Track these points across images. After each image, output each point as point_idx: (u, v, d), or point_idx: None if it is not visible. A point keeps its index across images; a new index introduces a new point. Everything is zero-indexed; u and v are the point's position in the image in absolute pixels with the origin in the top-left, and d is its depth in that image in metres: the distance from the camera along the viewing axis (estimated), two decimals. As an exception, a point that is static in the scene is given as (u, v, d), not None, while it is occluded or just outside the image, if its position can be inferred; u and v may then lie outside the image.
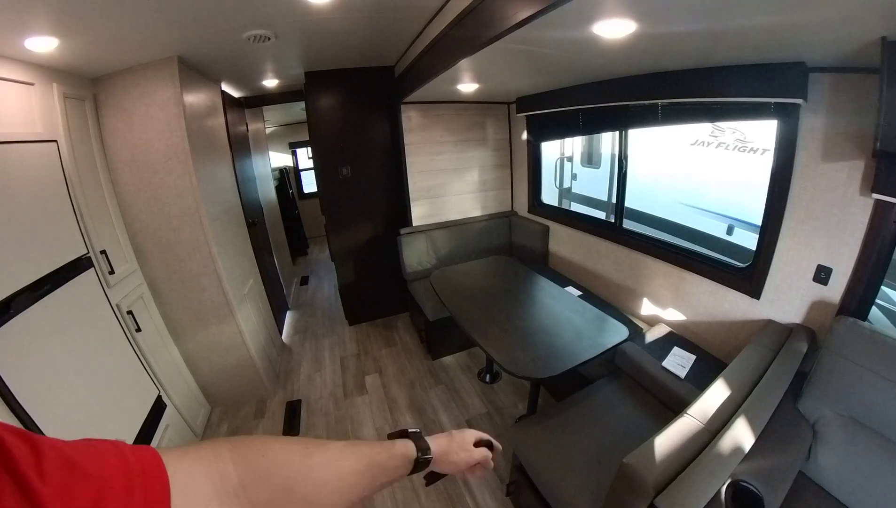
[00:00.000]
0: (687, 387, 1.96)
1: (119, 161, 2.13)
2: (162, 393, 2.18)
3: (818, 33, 1.25)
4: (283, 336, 3.90)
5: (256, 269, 3.21)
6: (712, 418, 1.39)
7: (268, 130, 5.57)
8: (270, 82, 3.33)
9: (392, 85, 3.37)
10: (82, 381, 1.61)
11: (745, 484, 1.38)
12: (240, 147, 3.41)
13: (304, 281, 5.42)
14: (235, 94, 3.55)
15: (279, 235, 4.81)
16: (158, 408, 2.11)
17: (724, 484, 1.35)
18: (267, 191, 4.55)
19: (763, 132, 2.96)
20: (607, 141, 4.42)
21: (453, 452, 0.77)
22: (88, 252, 1.84)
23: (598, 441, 1.83)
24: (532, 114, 3.40)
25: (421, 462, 0.71)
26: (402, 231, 3.62)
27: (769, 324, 1.94)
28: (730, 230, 3.54)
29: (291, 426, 2.72)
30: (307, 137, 3.50)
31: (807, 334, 1.78)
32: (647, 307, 2.76)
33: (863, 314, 1.66)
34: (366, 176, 3.60)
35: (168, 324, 2.42)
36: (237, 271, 2.71)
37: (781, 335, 1.82)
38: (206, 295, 2.46)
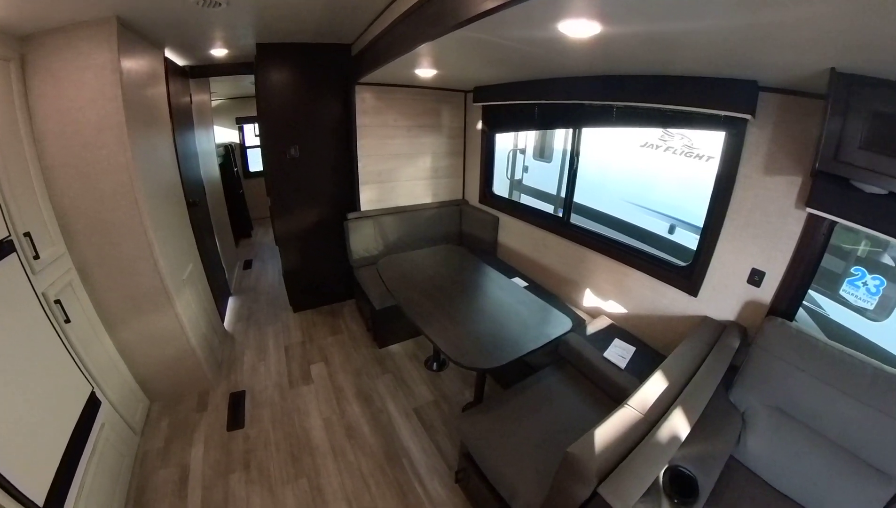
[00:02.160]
0: (627, 377, 2.07)
1: (46, 131, 1.89)
2: (96, 389, 1.99)
3: (773, 56, 1.32)
4: (226, 324, 3.71)
5: (196, 252, 3.01)
6: (651, 408, 1.47)
7: (214, 103, 5.21)
8: (219, 52, 3.10)
9: (348, 64, 3.24)
10: (6, 379, 1.44)
11: (681, 469, 1.48)
12: (182, 120, 3.17)
13: (248, 265, 5.18)
14: (180, 62, 3.28)
15: (222, 215, 4.52)
16: (93, 406, 1.93)
17: (662, 470, 1.45)
18: (210, 168, 4.26)
19: (709, 141, 3.14)
20: (560, 136, 4.53)
21: None
22: (10, 235, 1.62)
23: (543, 429, 1.90)
24: (489, 104, 3.40)
25: None
26: (350, 216, 3.53)
27: (705, 320, 2.09)
28: (671, 229, 3.76)
29: (235, 419, 2.61)
30: (256, 113, 3.31)
31: (739, 330, 1.93)
32: (589, 300, 2.88)
33: (790, 315, 1.82)
34: (315, 157, 3.46)
35: (100, 313, 2.22)
36: (175, 255, 2.53)
37: (716, 330, 1.97)
38: (142, 281, 2.27)
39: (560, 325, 2.22)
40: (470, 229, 3.99)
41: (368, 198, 3.65)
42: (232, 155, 5.93)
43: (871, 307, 2.28)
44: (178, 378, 2.67)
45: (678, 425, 1.38)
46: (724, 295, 2.04)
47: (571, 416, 1.99)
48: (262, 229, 6.47)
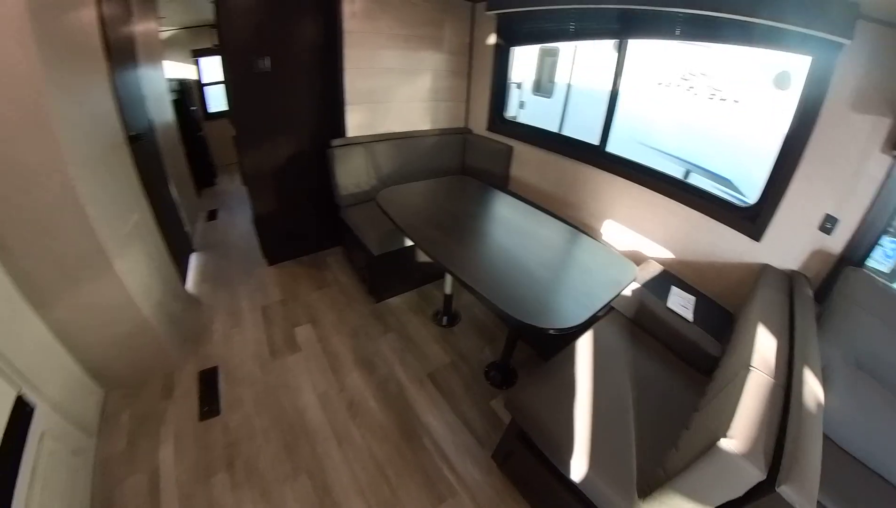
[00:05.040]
0: (697, 331, 1.86)
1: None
2: (25, 390, 1.43)
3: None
4: (189, 285, 3.07)
5: (143, 200, 2.33)
6: (777, 370, 1.25)
7: (164, 34, 4.27)
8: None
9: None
10: None
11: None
12: (122, 56, 2.40)
13: (212, 215, 4.41)
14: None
15: (179, 161, 3.75)
16: (22, 413, 1.38)
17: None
18: (163, 112, 3.45)
19: (740, 84, 2.92)
20: (563, 68, 4.16)
21: None
22: None
23: (614, 399, 1.63)
24: (506, 12, 2.88)
25: None
26: (335, 143, 2.95)
27: (766, 268, 1.93)
28: (686, 175, 3.59)
29: (209, 403, 2.13)
30: (216, 43, 2.54)
31: (805, 281, 1.79)
32: (631, 243, 2.61)
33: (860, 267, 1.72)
34: (291, 70, 2.78)
35: (23, 289, 1.61)
36: (112, 203, 1.91)
37: (783, 280, 1.81)
38: (69, 239, 1.67)
39: (625, 270, 1.96)
40: (475, 162, 3.55)
41: (357, 122, 3.05)
42: (188, 92, 4.97)
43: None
44: (134, 359, 2.10)
45: (814, 387, 1.18)
46: (790, 242, 1.89)
47: (638, 378, 1.73)
48: (228, 177, 5.58)
